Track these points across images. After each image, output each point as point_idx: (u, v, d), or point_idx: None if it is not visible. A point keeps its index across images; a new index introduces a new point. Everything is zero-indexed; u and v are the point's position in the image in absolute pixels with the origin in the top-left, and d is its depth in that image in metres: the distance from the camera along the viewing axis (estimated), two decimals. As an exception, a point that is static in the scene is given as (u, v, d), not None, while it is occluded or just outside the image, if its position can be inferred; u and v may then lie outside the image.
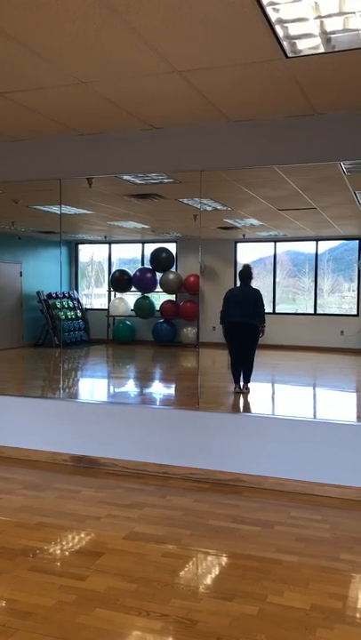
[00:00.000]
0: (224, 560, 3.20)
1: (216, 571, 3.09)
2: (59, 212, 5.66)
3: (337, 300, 11.01)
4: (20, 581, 2.91)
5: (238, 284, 7.20)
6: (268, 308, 10.52)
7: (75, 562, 3.13)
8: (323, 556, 3.23)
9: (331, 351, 9.92)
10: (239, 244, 10.61)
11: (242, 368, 6.83)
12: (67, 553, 3.25)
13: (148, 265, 11.77)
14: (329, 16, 2.68)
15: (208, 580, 2.98)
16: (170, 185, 5.65)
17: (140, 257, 12.13)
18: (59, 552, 3.25)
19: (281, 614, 2.64)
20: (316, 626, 2.55)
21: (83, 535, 3.48)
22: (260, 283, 10.75)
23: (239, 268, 10.39)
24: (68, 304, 11.72)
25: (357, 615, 2.65)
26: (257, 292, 6.94)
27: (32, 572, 3.00)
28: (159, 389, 8.60)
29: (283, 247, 10.92)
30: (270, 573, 3.02)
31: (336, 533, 3.54)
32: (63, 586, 2.87)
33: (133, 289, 11.83)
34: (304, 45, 3.00)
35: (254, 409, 6.86)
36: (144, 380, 9.30)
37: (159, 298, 11.66)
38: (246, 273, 7.02)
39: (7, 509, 3.87)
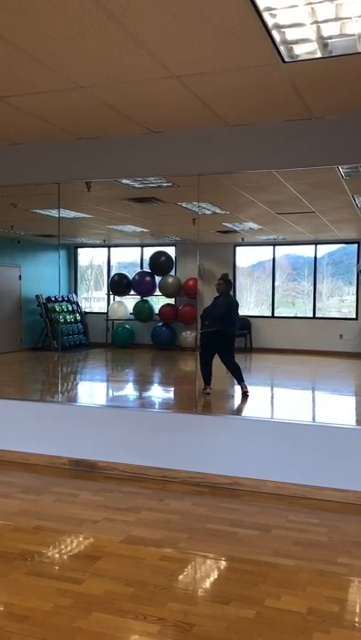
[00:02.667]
0: (222, 564, 3.20)
1: (213, 574, 3.09)
2: (57, 216, 5.67)
3: (336, 304, 11.02)
4: (17, 585, 2.91)
5: (235, 290, 7.32)
6: (267, 312, 10.57)
7: (72, 565, 3.13)
8: (320, 559, 3.23)
9: (330, 355, 9.93)
10: (238, 248, 10.63)
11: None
12: (64, 556, 3.25)
13: (147, 268, 11.78)
14: (326, 21, 2.69)
15: (205, 584, 2.98)
16: (168, 189, 5.66)
17: (139, 260, 12.14)
18: (56, 556, 3.25)
19: (278, 618, 2.64)
20: (314, 630, 2.55)
21: (80, 539, 3.48)
22: (259, 286, 10.78)
23: (238, 272, 10.46)
24: (67, 307, 11.72)
25: (355, 619, 2.65)
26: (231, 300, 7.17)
27: (29, 576, 3.00)
28: (158, 393, 8.60)
29: (282, 251, 10.93)
30: (268, 577, 3.02)
31: (334, 537, 3.54)
32: (60, 589, 2.86)
33: (132, 292, 11.84)
34: (301, 50, 3.01)
35: (253, 412, 6.86)
36: (143, 383, 9.30)
37: (158, 301, 11.67)
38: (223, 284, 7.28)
39: (5, 513, 3.87)
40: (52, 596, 2.80)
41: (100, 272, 12.74)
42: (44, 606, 2.71)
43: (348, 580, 3.02)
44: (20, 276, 10.65)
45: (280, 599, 2.80)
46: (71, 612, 2.67)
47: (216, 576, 3.07)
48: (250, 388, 7.02)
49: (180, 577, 3.02)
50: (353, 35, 2.82)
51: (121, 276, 12.03)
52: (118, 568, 3.09)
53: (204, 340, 7.04)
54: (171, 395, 8.22)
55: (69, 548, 3.36)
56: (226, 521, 3.77)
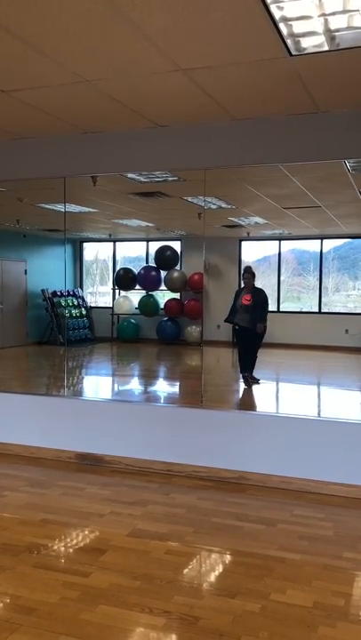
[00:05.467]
0: (227, 557, 3.21)
1: (219, 568, 3.10)
2: (63, 210, 5.67)
3: (342, 299, 11.00)
4: (24, 578, 2.93)
5: (239, 285, 7.33)
6: (273, 307, 10.55)
7: (78, 558, 3.14)
8: (326, 554, 3.23)
9: (335, 350, 9.92)
10: (244, 243, 10.61)
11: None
12: (70, 550, 3.26)
13: (152, 263, 11.78)
14: (333, 14, 2.67)
15: (211, 578, 2.99)
16: (174, 183, 5.65)
17: (144, 255, 12.14)
18: (62, 549, 3.27)
19: (284, 612, 2.65)
20: (319, 623, 2.55)
21: (86, 532, 3.50)
22: (264, 281, 10.75)
23: (244, 266, 10.45)
24: (73, 302, 11.74)
25: (360, 613, 2.65)
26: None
27: (36, 569, 3.02)
28: (163, 387, 8.61)
29: (287, 245, 10.91)
30: (273, 571, 3.02)
31: (339, 532, 3.54)
32: (67, 582, 2.88)
33: (138, 287, 11.84)
34: (308, 43, 2.99)
35: (259, 407, 6.87)
36: (148, 377, 9.32)
37: (163, 296, 11.67)
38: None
39: (12, 506, 3.89)
40: (58, 589, 2.82)
41: (105, 266, 12.76)
42: (51, 599, 2.73)
43: (353, 574, 3.02)
44: (26, 271, 10.68)
45: (286, 593, 2.81)
46: (78, 604, 2.68)
47: (222, 570, 3.08)
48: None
49: (186, 570, 3.04)
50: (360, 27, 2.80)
51: (126, 271, 12.04)
52: (124, 561, 3.11)
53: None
54: (176, 389, 8.24)
55: (76, 542, 3.38)
56: (231, 515, 3.77)
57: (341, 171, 4.97)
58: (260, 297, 7.14)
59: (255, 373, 7.08)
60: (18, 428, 5.11)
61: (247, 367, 7.08)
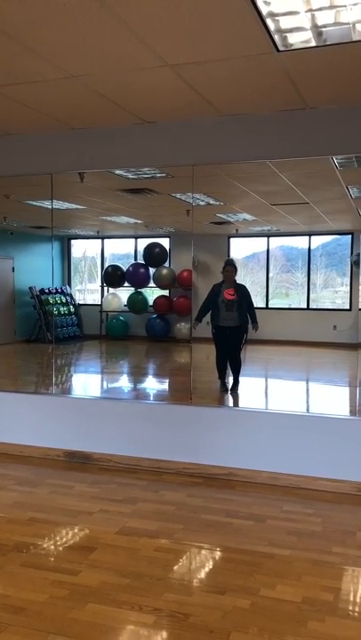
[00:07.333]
0: (217, 554, 3.21)
1: (209, 565, 3.10)
2: (50, 207, 5.63)
3: (330, 295, 11.04)
4: (13, 577, 2.91)
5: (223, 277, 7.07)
6: (261, 303, 10.58)
7: (67, 557, 3.13)
8: (315, 549, 3.25)
9: (324, 346, 9.95)
10: (232, 239, 10.60)
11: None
12: (59, 548, 3.25)
13: (141, 260, 11.74)
14: (320, 9, 2.67)
15: (201, 574, 2.99)
16: (162, 179, 5.63)
17: (133, 252, 12.10)
18: (51, 547, 3.25)
19: (273, 607, 2.65)
20: (308, 618, 2.56)
21: (75, 530, 3.48)
22: (253, 278, 10.77)
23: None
24: (61, 299, 11.68)
25: (349, 607, 2.67)
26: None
27: (24, 568, 3.00)
28: (152, 384, 8.60)
29: (276, 242, 10.92)
30: (263, 567, 3.03)
31: (328, 527, 3.55)
32: (56, 581, 2.87)
33: (126, 284, 11.80)
34: (295, 39, 2.99)
35: (248, 403, 6.87)
36: (137, 375, 9.30)
37: (152, 293, 11.64)
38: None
39: (0, 505, 3.86)
40: (47, 588, 2.80)
41: (93, 264, 12.70)
42: (40, 597, 2.71)
43: (342, 569, 3.03)
44: (14, 268, 10.59)
45: (275, 589, 2.81)
46: (67, 603, 2.67)
47: (211, 566, 3.08)
48: (244, 379, 7.01)
49: (176, 567, 3.03)
50: (348, 23, 2.80)
51: (115, 268, 12.00)
52: (114, 559, 3.10)
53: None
54: (165, 386, 8.23)
55: (65, 540, 3.36)
56: (221, 511, 3.78)
57: (329, 167, 4.97)
58: (244, 292, 6.84)
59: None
60: (6, 426, 5.08)
61: (225, 374, 6.59)
